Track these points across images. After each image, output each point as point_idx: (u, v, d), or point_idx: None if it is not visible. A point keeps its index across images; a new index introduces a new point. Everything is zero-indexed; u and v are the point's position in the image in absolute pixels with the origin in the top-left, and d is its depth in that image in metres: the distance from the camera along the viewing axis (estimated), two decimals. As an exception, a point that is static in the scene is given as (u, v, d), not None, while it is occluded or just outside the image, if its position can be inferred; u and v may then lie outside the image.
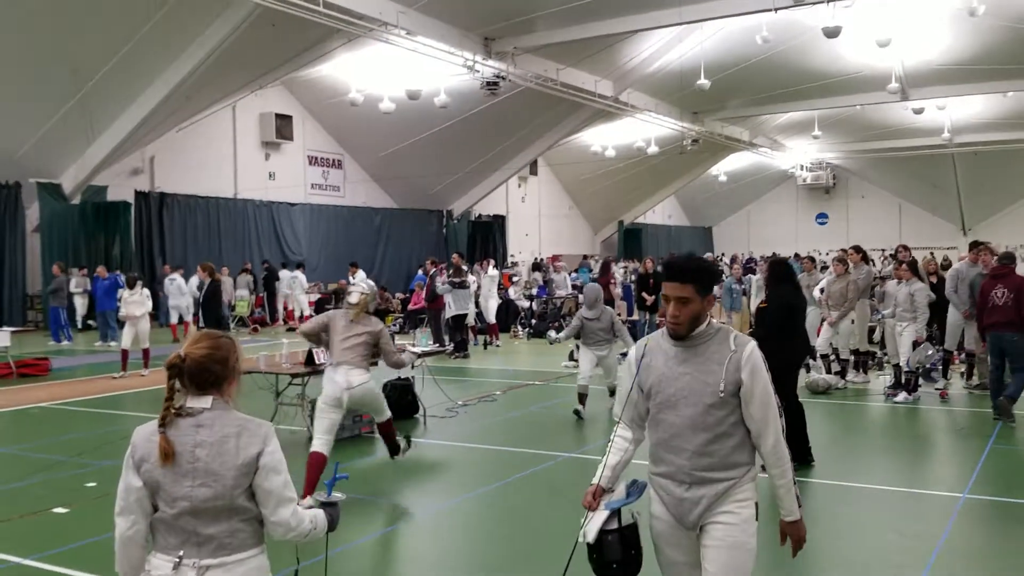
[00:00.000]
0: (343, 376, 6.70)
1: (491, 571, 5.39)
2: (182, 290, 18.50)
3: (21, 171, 20.01)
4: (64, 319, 17.81)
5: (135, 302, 12.97)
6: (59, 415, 10.51)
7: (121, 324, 13.52)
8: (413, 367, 8.05)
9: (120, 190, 22.10)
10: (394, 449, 7.37)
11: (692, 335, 3.15)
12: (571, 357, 14.69)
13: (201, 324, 16.74)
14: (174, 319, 18.63)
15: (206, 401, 2.75)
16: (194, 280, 19.31)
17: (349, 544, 5.78)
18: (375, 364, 7.14)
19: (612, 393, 10.13)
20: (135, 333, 12.91)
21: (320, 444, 6.59)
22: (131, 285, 13.29)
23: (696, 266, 3.17)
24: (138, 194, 22.59)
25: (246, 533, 2.72)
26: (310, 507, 2.93)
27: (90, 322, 19.42)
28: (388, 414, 7.23)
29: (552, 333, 11.61)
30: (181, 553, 2.67)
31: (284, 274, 23.04)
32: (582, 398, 9.97)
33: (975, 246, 10.93)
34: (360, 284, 7.23)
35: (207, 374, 2.75)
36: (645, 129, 30.17)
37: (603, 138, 31.57)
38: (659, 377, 3.21)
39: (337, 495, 3.00)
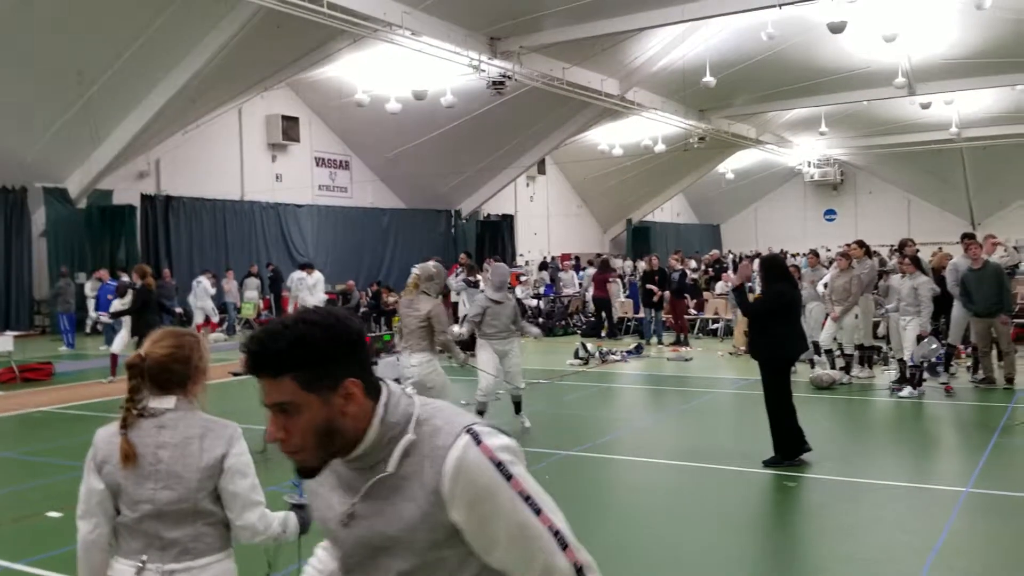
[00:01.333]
0: (405, 359, 7.13)
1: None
2: (208, 291, 19.76)
3: (27, 176, 20.08)
4: (66, 324, 17.83)
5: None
6: (61, 419, 10.51)
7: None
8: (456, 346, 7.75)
9: (126, 194, 22.15)
10: None
11: (353, 457, 1.74)
12: (576, 355, 14.65)
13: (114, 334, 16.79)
14: (199, 319, 19.41)
15: (169, 402, 2.69)
16: (206, 282, 20.13)
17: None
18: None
19: (518, 408, 9.01)
20: (129, 338, 12.52)
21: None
22: (122, 293, 12.89)
23: (296, 338, 1.65)
24: (144, 197, 22.64)
25: (211, 537, 2.66)
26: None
27: (99, 326, 19.46)
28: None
29: (455, 328, 9.47)
30: (144, 558, 2.60)
31: (295, 275, 22.84)
32: (481, 413, 8.37)
33: (966, 238, 10.81)
34: (421, 265, 7.42)
35: (169, 374, 2.69)
36: (652, 127, 30.08)
37: (610, 137, 31.50)
38: (323, 519, 1.86)
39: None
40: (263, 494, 2.72)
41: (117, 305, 12.87)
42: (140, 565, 2.60)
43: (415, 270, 7.30)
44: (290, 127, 25.96)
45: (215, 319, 20.13)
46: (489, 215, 33.45)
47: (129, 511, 2.63)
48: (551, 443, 8.49)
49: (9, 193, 20.47)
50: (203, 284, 19.80)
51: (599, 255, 32.03)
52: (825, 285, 11.79)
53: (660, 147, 30.78)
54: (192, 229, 23.75)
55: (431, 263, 7.66)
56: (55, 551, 5.58)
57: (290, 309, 22.01)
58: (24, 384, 13.06)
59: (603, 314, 18.75)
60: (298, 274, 20.80)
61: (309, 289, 20.23)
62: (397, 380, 9.23)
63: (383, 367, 9.01)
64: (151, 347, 2.71)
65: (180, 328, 2.90)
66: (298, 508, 2.87)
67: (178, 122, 21.12)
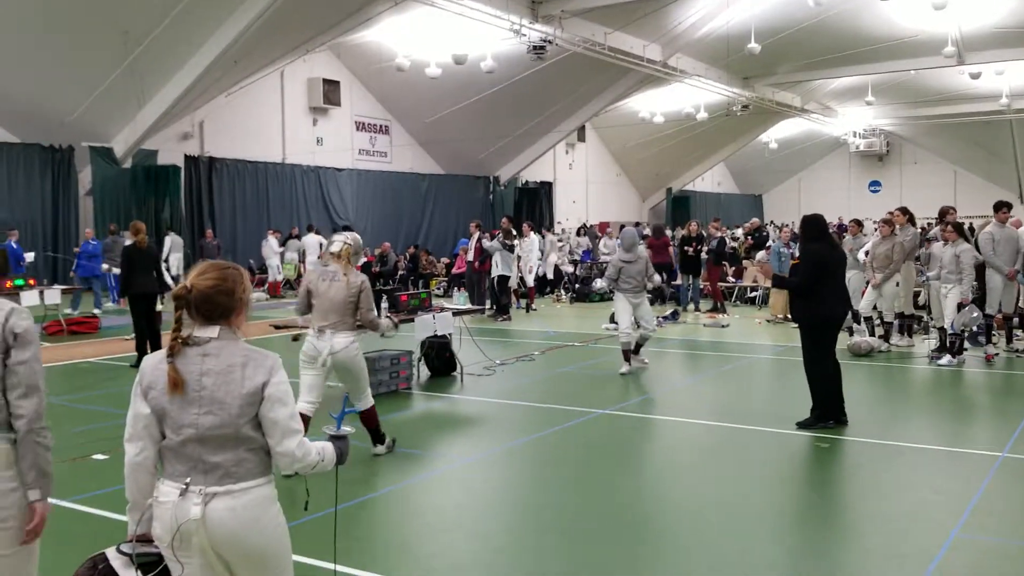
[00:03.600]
0: (326, 341, 6.06)
1: (508, 521, 5.43)
2: (274, 250, 21.32)
3: (74, 135, 20.42)
4: (112, 280, 18.15)
5: None
6: (106, 370, 10.80)
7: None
8: (385, 336, 6.78)
9: (170, 154, 22.45)
10: (378, 437, 6.55)
11: None
12: (612, 319, 14.66)
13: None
14: (271, 278, 21.28)
15: (213, 331, 2.77)
16: (272, 240, 21.51)
17: (372, 493, 5.86)
18: (361, 328, 6.32)
19: (637, 349, 10.33)
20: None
21: (303, 406, 5.95)
22: None
23: None
24: (188, 158, 22.94)
25: (252, 463, 2.74)
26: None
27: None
28: (370, 400, 6.39)
29: (598, 282, 11.80)
30: (188, 480, 2.69)
31: (309, 239, 22.96)
32: (627, 355, 10.07)
33: (1000, 207, 10.56)
34: (344, 234, 6.42)
35: (213, 305, 2.76)
36: (694, 95, 29.68)
37: (651, 104, 31.16)
38: None
39: (346, 428, 3.00)
40: (301, 423, 2.80)
41: None
42: (184, 487, 2.69)
43: (344, 239, 6.27)
44: (331, 91, 26.04)
45: (279, 277, 21.50)
46: (527, 182, 33.35)
47: (174, 435, 2.72)
48: (588, 402, 8.56)
49: (56, 152, 20.85)
50: (270, 242, 21.43)
51: (636, 224, 31.86)
52: (866, 253, 11.65)
53: (702, 115, 30.38)
54: (235, 191, 24.03)
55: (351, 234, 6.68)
56: (101, 490, 5.79)
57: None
58: (71, 336, 13.41)
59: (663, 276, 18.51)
60: (315, 238, 21.53)
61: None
62: (435, 336, 9.36)
63: (419, 325, 9.14)
64: (196, 279, 2.78)
65: (224, 261, 2.97)
66: (336, 439, 2.96)
67: (221, 83, 21.29)
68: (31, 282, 13.88)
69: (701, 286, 17.39)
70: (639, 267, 10.01)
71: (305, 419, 5.83)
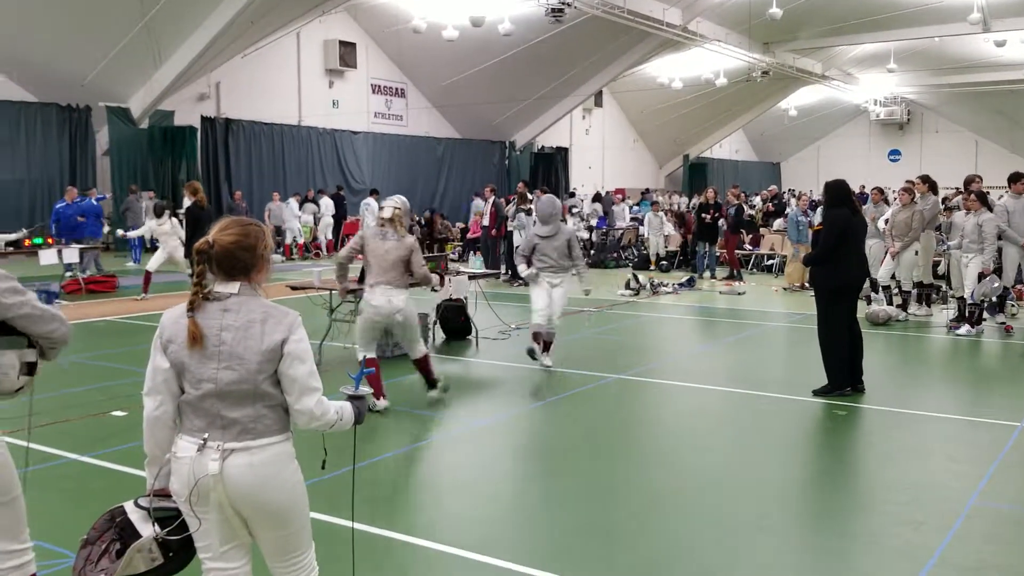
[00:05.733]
0: (383, 297, 6.54)
1: (519, 483, 5.45)
2: (295, 213, 21.37)
3: (91, 95, 20.41)
4: (134, 240, 18.21)
5: (164, 231, 12.70)
6: (124, 328, 10.87)
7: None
8: (435, 289, 7.71)
9: (187, 115, 22.42)
10: (432, 383, 7.08)
11: None
12: (627, 285, 14.63)
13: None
14: (288, 240, 21.16)
15: (233, 287, 2.76)
16: (294, 203, 21.62)
17: (388, 453, 5.90)
18: (414, 285, 6.88)
19: (547, 347, 8.45)
20: (165, 258, 12.66)
21: (369, 351, 6.77)
22: (159, 214, 12.93)
23: None
24: (204, 119, 22.90)
25: (271, 419, 2.74)
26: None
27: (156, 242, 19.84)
28: (423, 349, 6.96)
29: (522, 268, 8.64)
30: (206, 435, 2.70)
31: (325, 202, 22.98)
32: (537, 337, 8.31)
33: (1017, 178, 10.38)
34: (394, 198, 6.88)
35: (234, 260, 2.75)
36: (713, 60, 29.33)
37: (670, 69, 30.84)
38: None
39: (364, 388, 3.00)
40: (320, 381, 2.79)
41: (153, 225, 13.01)
42: (202, 442, 2.70)
43: (395, 203, 6.71)
44: (347, 53, 25.87)
45: (300, 239, 21.54)
46: (543, 147, 33.15)
47: (192, 389, 2.72)
48: (601, 367, 8.56)
49: (73, 112, 20.87)
50: (291, 205, 21.48)
51: (647, 190, 31.68)
52: (886, 221, 11.53)
53: (721, 81, 30.05)
54: (251, 152, 24.01)
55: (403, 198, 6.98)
56: (119, 446, 5.84)
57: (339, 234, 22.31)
58: (89, 295, 13.50)
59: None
60: (366, 200, 21.44)
61: (373, 214, 20.80)
62: (451, 300, 9.33)
63: (456, 285, 9.08)
64: (218, 234, 2.77)
65: (246, 217, 2.95)
66: (354, 399, 2.95)
67: (238, 44, 21.18)
68: (49, 240, 13.93)
69: (718, 253, 17.30)
70: (557, 243, 8.22)
71: (374, 362, 6.62)
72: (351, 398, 2.94)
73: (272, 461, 2.74)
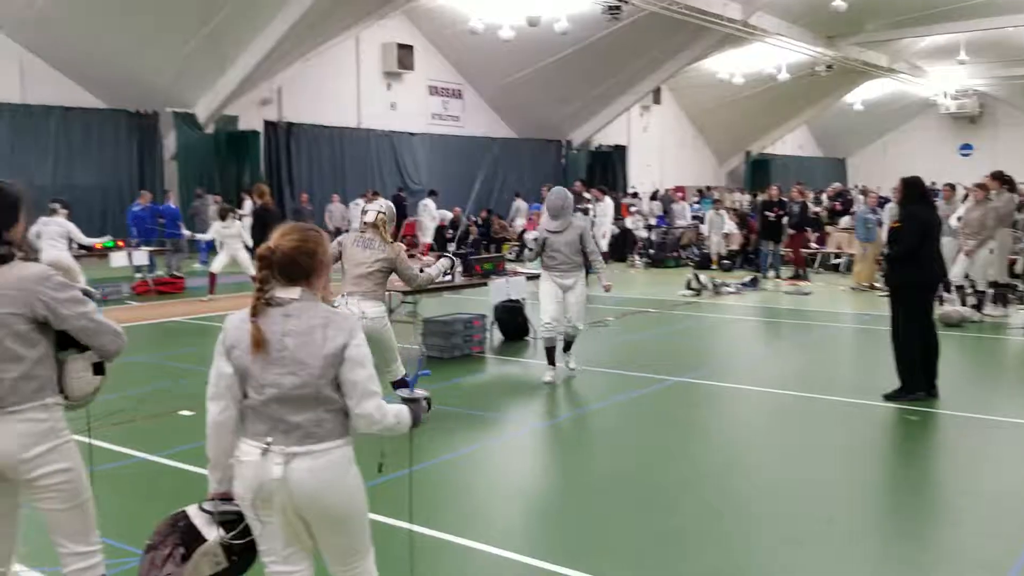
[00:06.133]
0: (356, 308, 5.93)
1: (578, 488, 5.38)
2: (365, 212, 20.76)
3: (159, 101, 20.91)
4: (204, 243, 18.59)
5: (230, 234, 12.99)
6: (190, 329, 11.10)
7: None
8: (446, 275, 7.11)
9: (250, 120, 22.84)
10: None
11: None
12: (688, 285, 14.43)
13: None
14: None
15: (295, 292, 2.78)
16: (363, 203, 20.95)
17: (445, 456, 5.88)
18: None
19: (567, 347, 8.07)
20: (228, 260, 12.97)
21: None
22: (224, 217, 13.24)
23: None
24: (267, 124, 23.30)
25: (332, 423, 2.75)
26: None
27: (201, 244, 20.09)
28: (402, 370, 6.26)
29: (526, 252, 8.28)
30: (269, 440, 2.72)
31: (422, 202, 23.14)
32: (550, 353, 7.86)
33: None
34: (379, 202, 6.48)
35: (295, 266, 2.77)
36: (775, 54, 28.80)
37: (730, 64, 30.38)
38: None
39: (420, 391, 3.00)
40: (380, 385, 2.79)
41: (219, 228, 13.28)
42: (265, 446, 2.72)
43: (379, 207, 6.28)
44: (405, 55, 26.06)
45: None
46: (601, 145, 32.96)
47: (255, 394, 2.75)
48: (662, 369, 8.44)
49: (142, 117, 21.40)
50: (361, 206, 20.80)
51: (708, 188, 31.27)
52: (959, 219, 11.17)
53: (784, 76, 29.51)
54: (312, 155, 24.36)
55: (387, 202, 6.67)
56: (186, 445, 5.92)
57: (419, 233, 22.30)
58: (158, 296, 13.83)
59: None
60: (424, 200, 21.66)
61: (430, 215, 21.18)
62: (509, 301, 9.31)
63: (493, 289, 9.11)
64: (279, 240, 2.80)
65: (306, 223, 2.97)
66: (411, 402, 2.96)
67: (299, 49, 21.49)
68: (120, 244, 14.31)
69: (782, 252, 16.98)
70: (569, 237, 7.66)
71: None
72: (407, 401, 2.96)
73: (333, 465, 2.75)
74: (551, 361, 7.87)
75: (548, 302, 7.72)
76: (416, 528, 4.07)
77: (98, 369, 3.14)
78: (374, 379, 2.78)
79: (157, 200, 17.18)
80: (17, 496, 3.09)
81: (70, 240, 12.26)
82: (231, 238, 13.04)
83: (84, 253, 13.08)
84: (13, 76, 19.24)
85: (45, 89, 19.70)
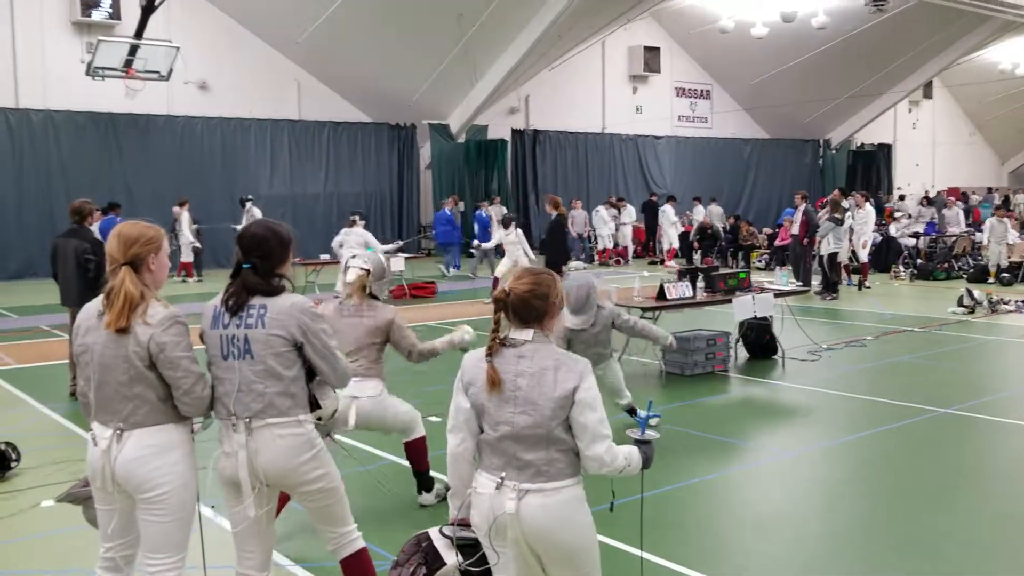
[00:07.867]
0: (351, 389, 4.62)
1: (829, 525, 5.01)
2: (605, 220, 21.83)
3: (415, 114, 22.31)
4: (456, 249, 19.63)
5: (511, 242, 13.89)
6: (443, 333, 11.60)
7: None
8: (463, 345, 5.37)
9: (498, 128, 23.75)
10: (424, 483, 5.35)
11: None
12: (960, 302, 13.15)
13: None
14: (600, 247, 21.99)
15: (527, 334, 2.86)
16: (604, 211, 21.77)
17: (683, 482, 5.71)
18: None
19: (632, 412, 6.75)
20: (511, 265, 13.67)
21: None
22: (506, 225, 14.15)
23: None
24: (514, 132, 24.10)
25: (563, 463, 2.80)
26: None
27: (472, 251, 21.10)
28: (421, 431, 5.29)
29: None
30: (503, 474, 2.81)
31: (627, 210, 22.91)
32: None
33: None
34: (365, 255, 5.21)
35: (529, 309, 2.85)
36: (1069, 39, 25.70)
37: (1014, 54, 27.52)
38: None
39: (651, 433, 2.96)
40: (610, 428, 2.79)
41: (501, 235, 14.07)
42: (500, 480, 2.81)
43: (361, 263, 5.02)
44: (651, 58, 25.94)
45: (610, 245, 21.90)
46: (862, 144, 30.99)
47: (491, 430, 2.85)
48: (926, 398, 7.72)
49: (401, 130, 22.91)
50: (601, 213, 21.67)
51: (990, 190, 28.41)
52: None
53: (1079, 63, 26.25)
54: (556, 161, 24.91)
55: (379, 255, 5.41)
56: (432, 453, 6.18)
57: (664, 240, 22.05)
58: (412, 300, 14.68)
59: None
60: (663, 207, 21.55)
61: (670, 221, 21.00)
62: (758, 318, 8.93)
63: (737, 306, 8.77)
64: (514, 283, 2.89)
65: (539, 267, 3.02)
66: (641, 443, 2.94)
67: (545, 58, 22.04)
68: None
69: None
70: (596, 332, 6.56)
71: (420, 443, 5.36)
72: (638, 443, 2.95)
73: (565, 504, 2.80)
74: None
75: None
76: (647, 556, 3.98)
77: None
78: (604, 422, 2.81)
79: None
80: (273, 502, 3.38)
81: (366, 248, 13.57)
82: (511, 244, 13.91)
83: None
84: (292, 94, 21.30)
85: (317, 105, 21.64)
